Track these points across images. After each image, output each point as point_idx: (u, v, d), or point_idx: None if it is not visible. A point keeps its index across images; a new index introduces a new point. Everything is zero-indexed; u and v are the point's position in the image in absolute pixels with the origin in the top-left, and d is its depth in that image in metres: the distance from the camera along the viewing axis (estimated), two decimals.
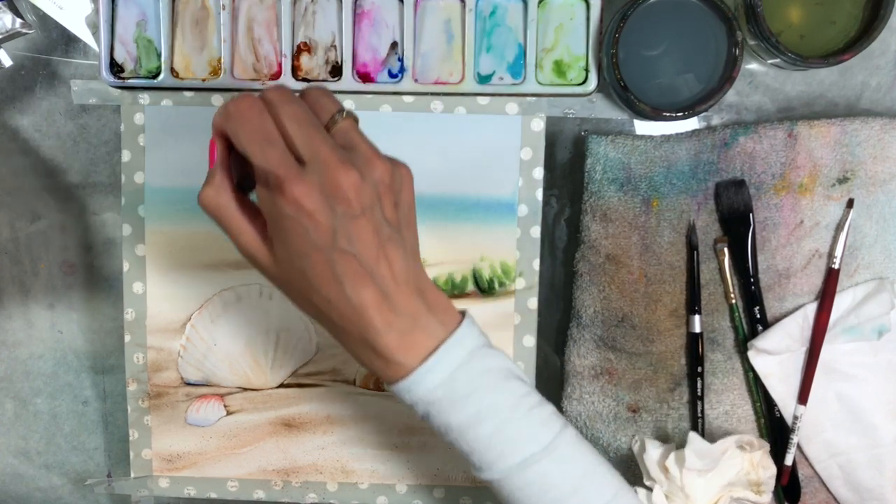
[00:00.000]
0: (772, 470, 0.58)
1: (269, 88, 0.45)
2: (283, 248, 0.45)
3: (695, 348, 0.60)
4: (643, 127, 0.61)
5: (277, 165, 0.43)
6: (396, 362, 0.45)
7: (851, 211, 0.59)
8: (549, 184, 0.62)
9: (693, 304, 0.60)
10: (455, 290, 0.62)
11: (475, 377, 0.46)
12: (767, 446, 0.58)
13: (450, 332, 0.46)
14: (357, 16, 0.61)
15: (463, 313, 0.48)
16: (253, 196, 0.47)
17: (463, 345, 0.46)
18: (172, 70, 0.61)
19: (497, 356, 0.48)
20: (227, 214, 0.46)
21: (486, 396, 0.46)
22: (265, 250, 0.46)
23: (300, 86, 0.60)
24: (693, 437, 0.57)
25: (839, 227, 0.59)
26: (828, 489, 0.61)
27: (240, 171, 0.48)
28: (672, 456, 0.57)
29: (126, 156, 0.62)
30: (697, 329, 0.60)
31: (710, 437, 0.59)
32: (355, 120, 0.46)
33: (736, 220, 0.59)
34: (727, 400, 0.61)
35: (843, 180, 0.59)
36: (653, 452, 0.57)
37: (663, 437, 0.61)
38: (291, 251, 0.44)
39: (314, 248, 0.44)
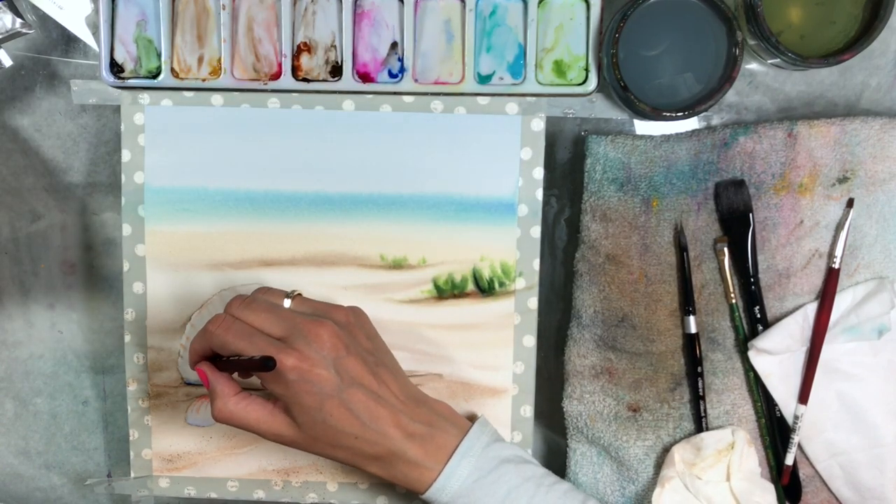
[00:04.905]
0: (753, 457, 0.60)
1: (226, 306, 0.52)
2: (302, 412, 0.50)
3: (691, 349, 0.60)
4: (643, 127, 0.61)
5: (268, 348, 0.49)
6: (427, 467, 0.52)
7: (851, 211, 0.59)
8: (549, 184, 0.62)
9: (687, 304, 0.60)
10: (455, 289, 0.62)
11: (498, 465, 0.52)
12: (746, 434, 0.59)
13: (465, 431, 0.54)
14: (357, 16, 0.61)
15: (471, 417, 0.56)
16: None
17: (481, 438, 0.53)
18: (172, 70, 0.61)
19: (510, 446, 0.54)
20: (243, 416, 0.52)
21: (512, 478, 0.52)
22: (287, 425, 0.52)
23: (300, 86, 0.61)
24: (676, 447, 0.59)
25: (839, 227, 0.59)
26: (829, 489, 0.61)
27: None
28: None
29: (126, 156, 0.62)
30: (693, 329, 0.60)
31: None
32: (300, 294, 0.54)
33: (736, 220, 0.59)
34: (728, 400, 0.60)
35: (843, 180, 0.59)
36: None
37: (663, 439, 0.61)
38: (310, 410, 0.50)
39: (327, 397, 0.50)
